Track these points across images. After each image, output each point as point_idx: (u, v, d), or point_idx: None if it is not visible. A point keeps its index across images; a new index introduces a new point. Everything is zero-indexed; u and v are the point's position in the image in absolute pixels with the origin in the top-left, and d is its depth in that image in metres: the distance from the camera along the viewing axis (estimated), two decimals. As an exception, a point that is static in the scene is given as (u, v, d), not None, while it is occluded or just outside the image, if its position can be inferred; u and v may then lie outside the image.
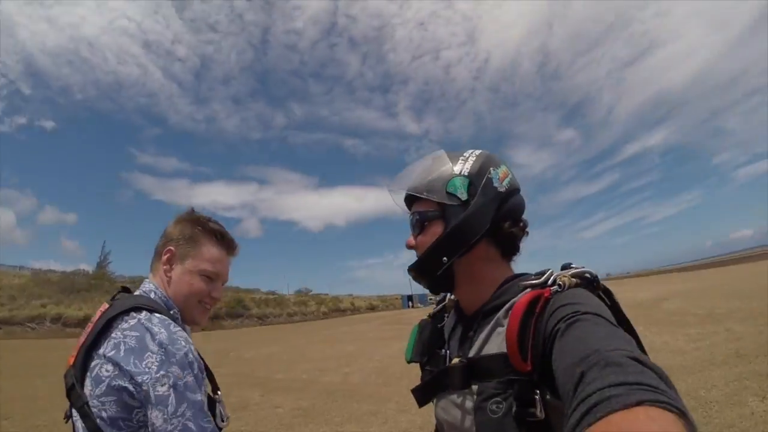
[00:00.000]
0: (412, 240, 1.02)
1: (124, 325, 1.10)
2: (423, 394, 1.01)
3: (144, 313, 1.13)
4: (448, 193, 0.95)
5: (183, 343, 1.08)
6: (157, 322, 1.10)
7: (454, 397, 0.92)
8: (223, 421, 1.22)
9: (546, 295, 0.79)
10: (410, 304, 79.60)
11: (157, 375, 1.01)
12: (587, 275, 0.84)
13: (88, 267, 47.78)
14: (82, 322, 32.42)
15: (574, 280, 0.82)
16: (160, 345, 1.05)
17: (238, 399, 7.89)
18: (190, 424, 1.00)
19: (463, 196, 0.93)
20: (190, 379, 1.04)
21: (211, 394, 1.22)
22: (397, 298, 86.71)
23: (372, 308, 69.71)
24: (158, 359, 1.03)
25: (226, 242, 1.36)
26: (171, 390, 1.01)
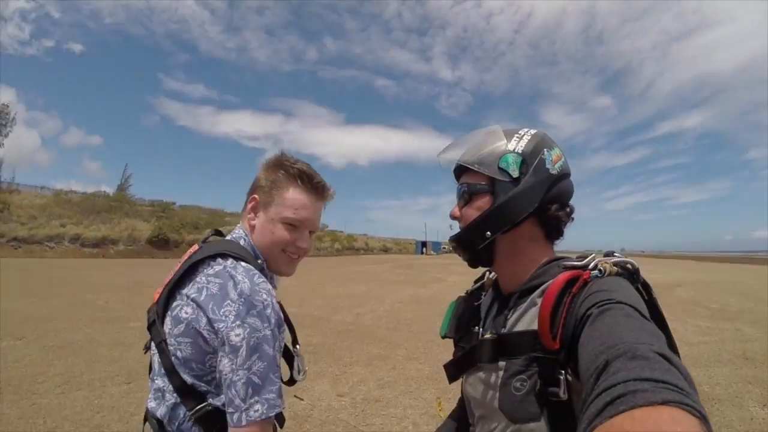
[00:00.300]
0: (457, 211, 1.03)
1: (209, 271, 1.09)
2: (454, 370, 1.04)
3: (230, 260, 1.10)
4: (499, 168, 0.94)
5: (265, 296, 1.04)
6: (241, 270, 1.08)
7: (481, 373, 0.94)
8: (299, 374, 1.23)
9: (585, 277, 0.79)
10: (424, 250, 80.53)
11: (233, 324, 0.99)
12: (629, 266, 0.82)
13: (110, 189, 48.80)
14: (101, 242, 32.93)
15: (615, 268, 0.81)
16: (241, 294, 1.02)
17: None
18: (256, 379, 0.97)
19: (515, 174, 0.93)
20: (267, 332, 1.01)
21: (290, 347, 1.23)
22: (411, 243, 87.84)
23: (385, 250, 70.86)
24: (236, 308, 1.01)
25: (312, 186, 1.24)
26: (244, 341, 0.98)
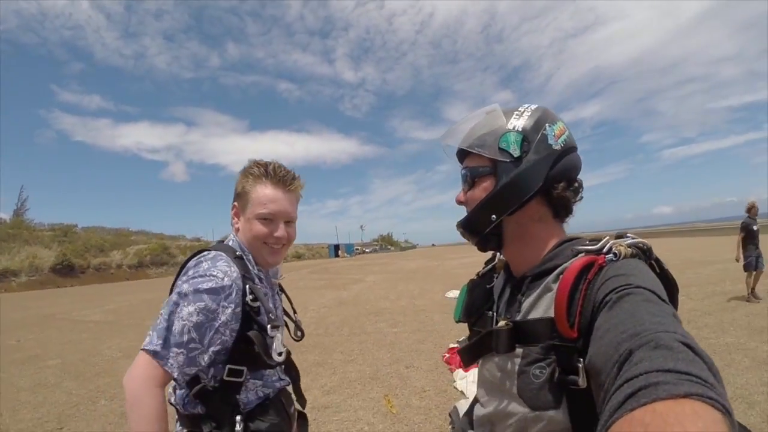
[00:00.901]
0: (461, 195, 1.01)
1: (192, 263, 1.27)
2: (470, 355, 1.01)
3: (210, 252, 1.30)
4: (500, 149, 0.91)
5: (213, 272, 1.21)
6: (210, 257, 1.27)
7: (498, 359, 0.91)
8: (279, 355, 1.29)
9: (600, 261, 0.77)
10: (338, 253, 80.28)
11: (178, 286, 1.22)
12: (642, 245, 0.81)
13: (5, 215, 45.44)
14: (1, 276, 30.23)
15: (630, 250, 0.79)
16: (194, 273, 1.22)
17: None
18: (154, 334, 1.15)
19: (516, 153, 0.90)
20: (190, 307, 1.16)
21: (266, 329, 1.29)
22: (323, 247, 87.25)
23: (299, 257, 69.97)
24: (186, 277, 1.22)
25: (276, 179, 1.37)
26: (167, 306, 1.18)
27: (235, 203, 1.41)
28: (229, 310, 1.21)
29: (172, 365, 1.14)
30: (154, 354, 1.14)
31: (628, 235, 0.86)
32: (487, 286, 1.09)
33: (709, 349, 5.55)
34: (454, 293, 2.91)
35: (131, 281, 35.35)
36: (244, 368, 1.26)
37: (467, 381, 4.82)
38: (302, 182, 1.45)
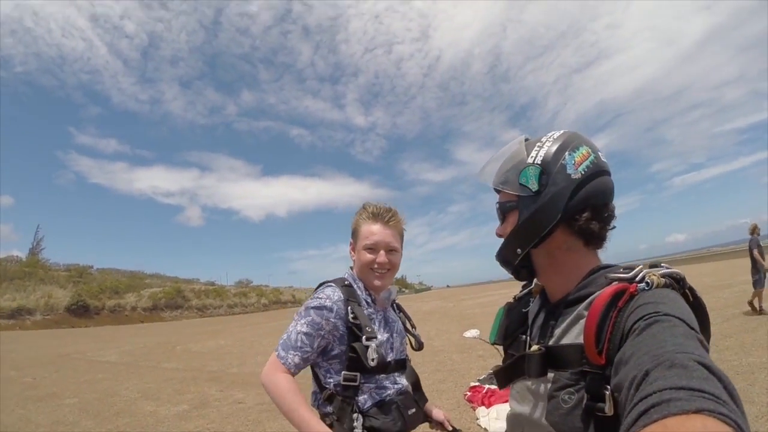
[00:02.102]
0: (498, 229, 1.04)
1: (318, 290, 1.64)
2: (503, 378, 1.02)
3: (327, 284, 1.65)
4: (521, 184, 0.94)
5: (320, 296, 1.56)
6: (324, 286, 1.64)
7: (529, 383, 0.93)
8: (371, 361, 1.50)
9: (632, 290, 0.77)
10: (351, 295, 79.26)
11: (295, 314, 1.58)
12: (676, 275, 0.80)
13: (22, 253, 45.93)
14: (15, 313, 30.37)
15: (663, 280, 0.78)
16: (311, 297, 1.60)
17: (195, 394, 7.66)
18: (280, 342, 1.53)
19: (534, 187, 0.92)
20: (302, 321, 1.51)
21: (362, 341, 1.51)
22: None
23: (312, 300, 69.16)
24: (303, 305, 1.59)
25: (377, 216, 1.67)
26: (296, 314, 1.57)
27: (351, 240, 1.74)
28: (331, 324, 1.52)
29: (290, 363, 1.49)
30: (278, 356, 1.50)
31: (662, 264, 0.85)
32: (523, 310, 1.11)
33: (732, 370, 5.44)
34: (472, 333, 2.94)
35: (146, 324, 35.38)
36: (357, 374, 1.52)
37: (490, 418, 4.73)
38: (401, 217, 1.73)
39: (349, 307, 1.54)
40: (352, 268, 1.75)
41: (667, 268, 0.82)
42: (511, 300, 1.18)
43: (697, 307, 0.78)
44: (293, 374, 1.50)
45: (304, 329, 1.50)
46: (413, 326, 1.86)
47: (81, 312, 34.36)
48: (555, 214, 0.89)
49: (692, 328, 0.67)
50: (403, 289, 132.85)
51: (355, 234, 1.71)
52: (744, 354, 6.17)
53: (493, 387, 5.75)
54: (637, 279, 0.79)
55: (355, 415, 1.49)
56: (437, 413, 1.82)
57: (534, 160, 0.93)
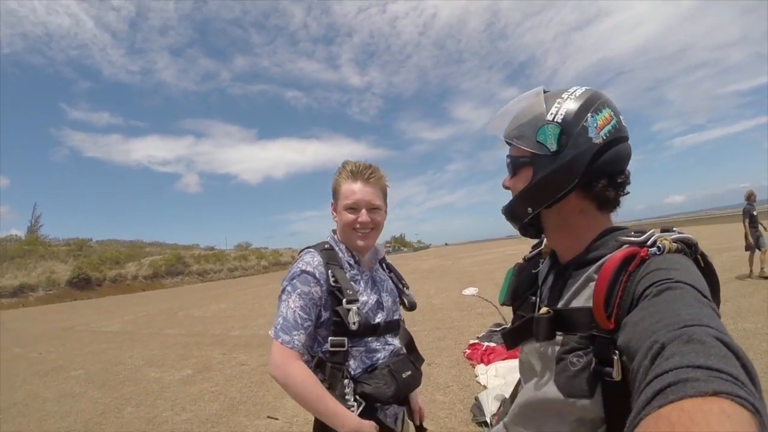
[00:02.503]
0: (506, 181, 1.00)
1: (297, 257, 1.60)
2: (511, 339, 1.02)
3: (306, 250, 1.61)
4: (538, 142, 0.89)
5: (299, 264, 1.52)
6: (304, 253, 1.58)
7: (538, 345, 0.91)
8: (353, 324, 1.46)
9: (643, 254, 0.75)
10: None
11: (280, 293, 1.51)
12: (688, 240, 0.79)
13: (21, 233, 46.28)
14: (18, 291, 30.88)
15: (675, 245, 0.76)
16: (290, 269, 1.55)
17: (199, 359, 7.77)
18: (277, 327, 1.45)
19: (553, 147, 0.87)
20: (292, 297, 1.46)
21: (343, 303, 1.48)
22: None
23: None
24: (284, 279, 1.53)
25: (357, 174, 1.60)
26: (281, 294, 1.51)
27: (332, 201, 1.67)
28: (318, 289, 1.48)
29: (297, 345, 1.43)
30: (282, 341, 1.43)
31: (674, 229, 0.83)
32: (533, 271, 1.09)
33: (728, 336, 5.52)
34: (470, 291, 2.97)
35: (147, 292, 35.82)
36: (345, 339, 1.48)
37: (488, 375, 4.81)
38: (382, 174, 1.65)
39: (329, 271, 1.51)
40: (334, 231, 1.70)
41: (680, 233, 0.80)
42: (521, 261, 1.16)
43: (709, 273, 0.77)
44: (302, 354, 1.45)
45: (298, 303, 1.45)
46: (405, 286, 1.81)
47: (83, 285, 34.70)
48: (572, 178, 0.86)
49: (705, 296, 0.65)
50: (402, 248, 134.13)
51: (335, 194, 1.64)
52: (740, 319, 6.21)
53: (492, 344, 5.84)
54: (649, 243, 0.77)
55: (346, 381, 1.46)
56: (415, 402, 1.78)
57: (554, 117, 0.88)
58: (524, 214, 0.95)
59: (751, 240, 9.48)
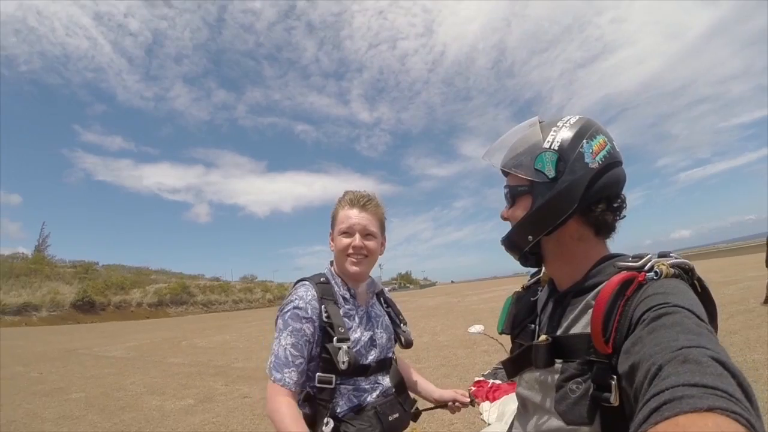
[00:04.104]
0: (505, 212, 1.02)
1: (292, 290, 1.57)
2: (512, 368, 1.03)
3: (300, 282, 1.58)
4: (535, 169, 0.91)
5: (292, 298, 1.49)
6: (298, 286, 1.55)
7: (537, 374, 0.92)
8: (342, 364, 1.40)
9: (640, 279, 0.76)
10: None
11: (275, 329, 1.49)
12: (685, 265, 0.79)
13: (28, 251, 46.12)
14: (22, 309, 30.71)
15: (672, 270, 0.77)
16: (283, 303, 1.51)
17: (201, 389, 7.71)
18: (270, 366, 1.43)
19: (551, 174, 0.89)
20: (284, 334, 1.43)
21: (334, 342, 1.44)
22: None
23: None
24: (278, 313, 1.50)
25: (354, 202, 1.59)
26: (274, 340, 1.46)
27: (330, 230, 1.64)
28: (310, 325, 1.44)
29: (288, 382, 1.39)
30: (274, 380, 1.41)
31: (672, 254, 0.84)
32: (532, 299, 1.10)
33: (736, 366, 5.45)
34: (476, 328, 2.93)
35: (151, 319, 35.55)
36: (333, 376, 1.44)
37: (491, 413, 4.71)
38: (379, 203, 1.64)
39: (323, 306, 1.48)
40: (332, 262, 1.65)
41: (677, 258, 0.82)
42: (520, 289, 1.17)
43: (706, 297, 0.77)
44: (295, 392, 1.42)
45: (289, 341, 1.42)
46: (403, 322, 1.76)
47: (87, 308, 34.60)
48: (572, 202, 0.87)
49: (702, 320, 0.66)
50: (408, 285, 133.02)
51: (333, 222, 1.62)
52: (749, 351, 6.16)
53: (498, 382, 5.74)
54: (646, 268, 0.78)
55: (326, 420, 1.41)
56: (442, 393, 1.83)
57: (551, 144, 0.91)
58: (525, 242, 0.96)
59: None
